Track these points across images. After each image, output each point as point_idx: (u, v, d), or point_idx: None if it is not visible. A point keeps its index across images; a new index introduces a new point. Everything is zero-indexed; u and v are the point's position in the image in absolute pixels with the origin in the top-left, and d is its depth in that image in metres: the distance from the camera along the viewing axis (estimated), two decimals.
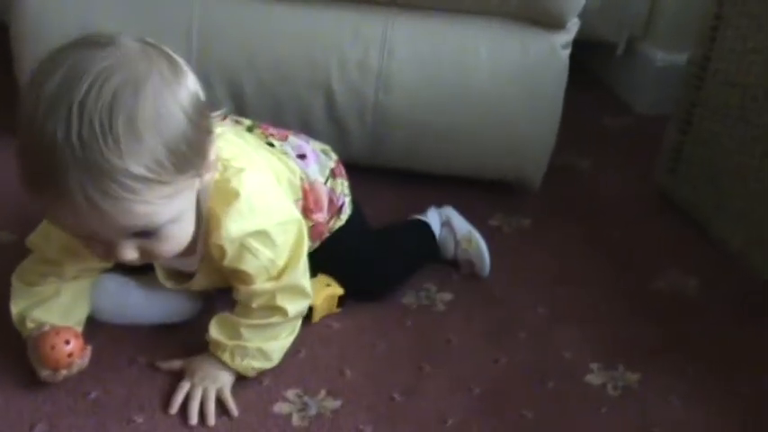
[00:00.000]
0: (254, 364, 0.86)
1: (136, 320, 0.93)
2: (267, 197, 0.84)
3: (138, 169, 0.66)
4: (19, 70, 1.17)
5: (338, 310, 0.99)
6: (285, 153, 0.93)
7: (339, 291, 0.98)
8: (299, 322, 0.89)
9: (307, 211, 0.92)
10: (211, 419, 0.83)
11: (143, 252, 0.74)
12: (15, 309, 0.85)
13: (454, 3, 1.12)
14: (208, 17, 1.12)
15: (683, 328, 1.05)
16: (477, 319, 1.02)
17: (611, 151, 1.46)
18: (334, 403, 0.87)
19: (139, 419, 0.82)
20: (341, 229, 0.98)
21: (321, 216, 0.94)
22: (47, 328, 0.83)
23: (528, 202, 1.26)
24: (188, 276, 0.89)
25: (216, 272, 0.86)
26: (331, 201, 0.96)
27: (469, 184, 1.25)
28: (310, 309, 0.93)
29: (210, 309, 0.93)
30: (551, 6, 1.11)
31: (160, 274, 0.90)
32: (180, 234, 0.75)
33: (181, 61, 0.73)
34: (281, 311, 0.85)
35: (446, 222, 1.10)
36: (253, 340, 0.85)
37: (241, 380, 0.87)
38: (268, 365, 0.87)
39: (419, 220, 1.10)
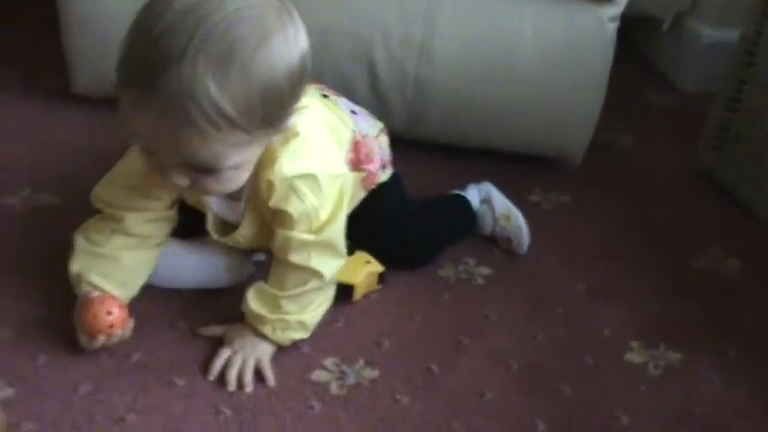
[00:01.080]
0: (293, 336, 0.87)
1: (186, 285, 0.93)
2: (321, 145, 0.85)
3: (229, 110, 0.69)
4: (66, 39, 1.18)
5: (379, 287, 0.99)
6: (337, 105, 0.94)
7: (379, 267, 0.98)
8: (333, 290, 0.89)
9: (357, 163, 0.93)
10: (249, 387, 0.84)
11: (194, 183, 0.76)
12: (75, 267, 0.85)
13: None
14: None
15: (725, 307, 1.03)
16: (515, 294, 1.01)
17: (654, 128, 1.43)
18: (371, 373, 0.87)
19: (180, 382, 0.83)
20: (384, 185, 0.98)
21: (373, 167, 0.95)
22: (95, 294, 0.84)
23: (568, 178, 1.25)
24: (233, 228, 0.89)
25: (259, 221, 0.86)
26: (380, 156, 0.97)
27: (509, 158, 1.24)
28: (351, 287, 0.94)
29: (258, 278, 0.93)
30: None
31: (210, 223, 0.90)
32: (235, 179, 0.77)
33: (302, 26, 0.74)
34: (317, 275, 0.85)
35: (486, 199, 1.09)
36: (293, 313, 0.86)
37: (280, 349, 0.88)
38: (306, 335, 0.88)
39: (458, 194, 1.10)
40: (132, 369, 0.84)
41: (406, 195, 1.04)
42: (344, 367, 0.88)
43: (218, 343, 0.88)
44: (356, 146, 0.93)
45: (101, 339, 0.82)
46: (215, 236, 0.90)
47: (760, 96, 1.16)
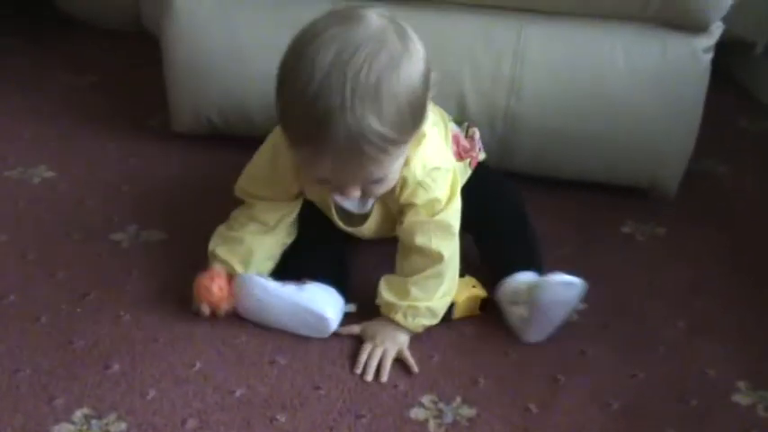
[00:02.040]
0: (423, 322, 0.94)
1: (272, 325, 0.96)
2: (439, 143, 0.97)
3: (392, 134, 0.81)
4: (168, 78, 1.23)
5: (480, 313, 0.99)
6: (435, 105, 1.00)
7: (483, 293, 0.99)
8: (455, 283, 0.96)
9: (460, 154, 1.04)
10: (385, 376, 0.91)
11: (363, 192, 0.88)
12: (210, 246, 0.98)
13: (591, 7, 1.10)
14: None
15: None
16: (611, 330, 1.00)
17: (750, 156, 1.39)
18: (469, 411, 0.87)
19: (282, 418, 0.85)
20: (485, 162, 1.10)
21: (474, 153, 1.08)
22: (217, 269, 0.95)
23: (663, 209, 1.22)
24: (360, 219, 0.99)
25: (385, 213, 0.97)
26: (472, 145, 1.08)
27: (601, 189, 1.22)
28: (452, 305, 0.97)
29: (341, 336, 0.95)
30: (695, 9, 1.07)
31: (336, 216, 0.99)
32: (394, 178, 0.90)
33: (416, 36, 0.84)
34: (438, 256, 0.93)
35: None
36: (421, 299, 0.94)
37: (377, 384, 0.89)
38: (435, 322, 0.95)
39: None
40: (235, 404, 0.86)
41: None
42: (441, 405, 0.88)
43: (316, 378, 0.89)
44: (455, 139, 1.04)
45: (206, 309, 0.93)
46: (341, 224, 0.99)
47: None
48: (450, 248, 0.95)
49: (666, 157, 1.17)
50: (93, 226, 1.11)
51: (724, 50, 1.42)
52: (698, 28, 1.10)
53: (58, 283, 1.01)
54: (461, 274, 0.99)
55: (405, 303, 0.94)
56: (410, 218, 0.94)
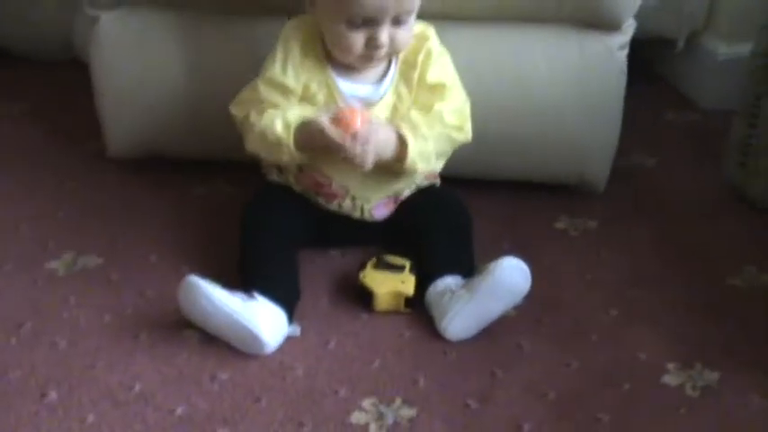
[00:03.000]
0: (420, 167, 1.03)
1: (215, 335, 0.96)
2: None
3: None
4: (100, 105, 1.23)
5: (406, 310, 1.01)
6: None
7: (409, 291, 1.01)
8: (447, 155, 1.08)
9: None
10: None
11: (391, 41, 0.98)
12: (278, 128, 1.00)
13: (508, 11, 1.13)
14: None
15: (761, 324, 1.03)
16: (547, 322, 1.02)
17: (677, 148, 1.44)
18: (409, 412, 0.89)
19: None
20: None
21: None
22: (344, 108, 1.00)
23: (594, 203, 1.26)
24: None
25: (396, 100, 1.05)
26: None
27: (533, 187, 1.25)
28: (372, 296, 1.00)
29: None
30: (606, 9, 1.11)
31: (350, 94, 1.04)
32: (411, 29, 1.01)
33: None
34: (464, 132, 1.06)
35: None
36: (431, 150, 1.03)
37: (317, 391, 0.90)
38: (427, 167, 1.06)
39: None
40: (176, 423, 0.86)
41: None
42: (382, 407, 0.89)
43: (257, 390, 0.90)
44: None
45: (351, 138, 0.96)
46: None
47: None
48: (469, 131, 1.07)
49: (592, 153, 1.21)
50: (28, 254, 1.10)
51: (648, 47, 1.48)
52: (611, 27, 1.14)
53: None
54: (404, 265, 1.02)
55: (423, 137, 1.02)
56: (443, 104, 1.04)
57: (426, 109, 1.04)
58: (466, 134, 1.07)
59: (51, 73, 1.61)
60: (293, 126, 1.00)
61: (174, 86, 1.18)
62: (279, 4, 1.10)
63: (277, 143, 1.01)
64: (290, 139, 1.00)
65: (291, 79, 1.03)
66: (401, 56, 1.05)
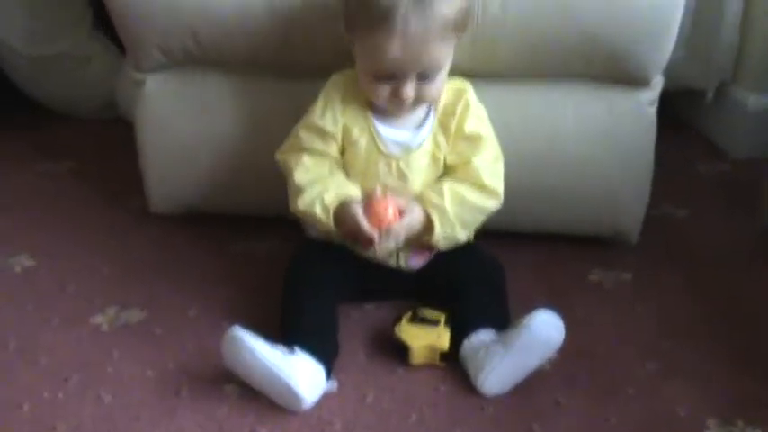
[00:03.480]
0: (443, 246, 1.08)
1: (256, 387, 0.97)
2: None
3: (452, 17, 0.98)
4: (143, 164, 1.28)
5: (441, 364, 1.02)
6: None
7: (444, 345, 1.02)
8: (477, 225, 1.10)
9: None
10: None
11: (418, 93, 1.02)
12: (328, 200, 1.04)
13: (538, 69, 1.16)
14: None
15: None
16: (583, 376, 1.02)
17: (709, 199, 1.44)
18: None
19: None
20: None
21: None
22: (379, 195, 1.03)
23: (627, 255, 1.26)
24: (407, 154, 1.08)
25: (435, 149, 1.08)
26: None
27: (567, 240, 1.26)
28: (408, 349, 1.01)
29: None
30: (635, 66, 1.13)
31: (383, 146, 1.07)
32: (441, 83, 1.04)
33: None
34: (497, 195, 1.08)
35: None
36: (457, 228, 1.07)
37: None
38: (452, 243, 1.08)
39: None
40: None
41: None
42: None
43: None
44: None
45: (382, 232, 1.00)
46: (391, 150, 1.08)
47: None
48: (500, 194, 1.09)
49: (624, 206, 1.22)
50: (74, 310, 1.14)
51: (679, 98, 1.50)
52: (640, 83, 1.16)
53: (40, 369, 1.03)
54: (439, 319, 1.04)
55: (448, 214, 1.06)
56: (476, 158, 1.07)
57: (463, 159, 1.07)
58: (498, 198, 1.09)
59: (95, 132, 1.67)
60: (332, 210, 1.04)
61: (216, 145, 1.22)
62: (320, 65, 1.14)
63: (318, 221, 1.06)
64: (329, 221, 1.04)
65: (330, 124, 1.07)
66: (440, 105, 1.08)
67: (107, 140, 1.62)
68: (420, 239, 1.07)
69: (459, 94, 1.08)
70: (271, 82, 1.20)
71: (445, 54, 1.01)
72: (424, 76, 1.01)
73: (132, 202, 1.38)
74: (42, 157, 1.57)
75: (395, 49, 0.97)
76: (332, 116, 1.07)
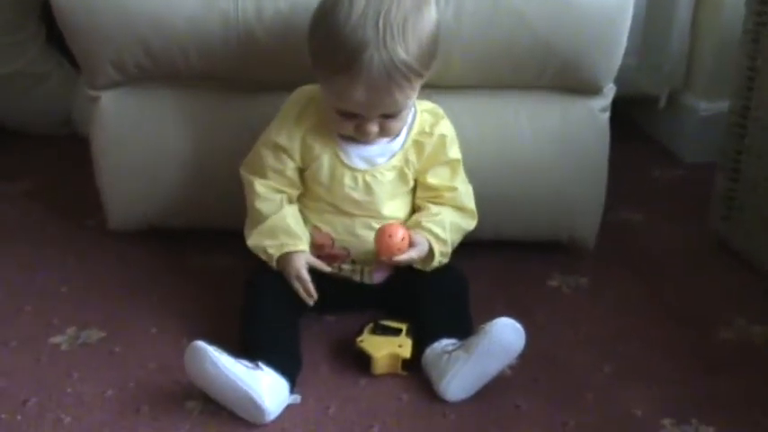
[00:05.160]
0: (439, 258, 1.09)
1: (217, 400, 0.97)
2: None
3: (415, 64, 0.98)
4: (101, 181, 1.27)
5: (404, 373, 1.03)
6: None
7: (406, 354, 1.03)
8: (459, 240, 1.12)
9: None
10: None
11: (381, 129, 1.03)
12: (270, 248, 1.07)
13: (492, 79, 1.18)
14: None
15: (754, 377, 1.04)
16: (543, 381, 1.04)
17: (663, 203, 1.48)
18: None
19: None
20: None
21: None
22: (389, 227, 1.05)
23: (584, 260, 1.29)
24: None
25: (401, 172, 1.09)
26: None
27: (524, 247, 1.28)
28: (371, 360, 1.02)
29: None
30: (586, 74, 1.16)
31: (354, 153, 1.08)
32: (405, 118, 1.06)
33: None
34: (475, 217, 1.12)
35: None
36: (449, 248, 1.09)
37: None
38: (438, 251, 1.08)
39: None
40: None
41: None
42: None
43: None
44: None
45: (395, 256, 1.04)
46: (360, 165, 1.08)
47: (757, 166, 1.20)
48: (474, 213, 1.13)
49: (580, 211, 1.24)
50: (32, 331, 1.12)
51: (632, 105, 1.53)
52: (592, 91, 1.18)
53: None
54: (401, 328, 1.06)
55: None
56: (459, 182, 1.11)
57: (446, 184, 1.11)
58: (476, 219, 1.13)
59: (49, 149, 1.65)
60: (275, 259, 1.08)
61: (173, 161, 1.22)
62: (277, 79, 1.15)
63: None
64: (273, 265, 1.09)
65: (285, 139, 1.07)
66: (415, 124, 1.09)
67: (63, 157, 1.60)
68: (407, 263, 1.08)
69: (436, 118, 1.10)
70: (227, 96, 1.21)
71: (409, 94, 1.01)
72: (389, 116, 1.02)
73: (90, 220, 1.37)
74: None
75: (359, 94, 0.98)
76: (287, 132, 1.08)
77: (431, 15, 1.01)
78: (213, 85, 1.20)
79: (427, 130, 1.09)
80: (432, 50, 1.01)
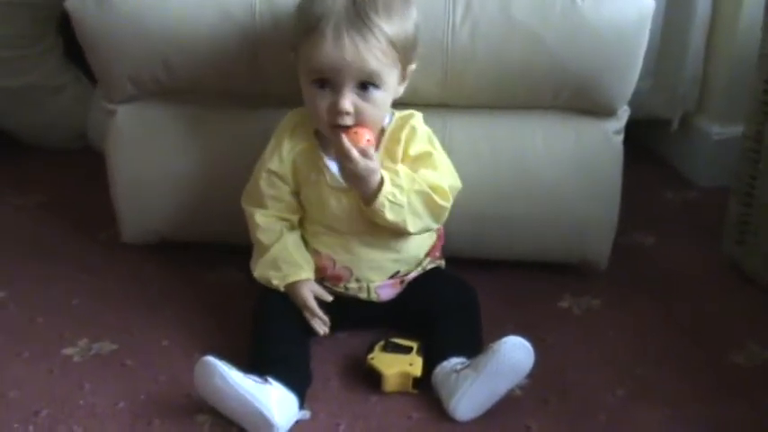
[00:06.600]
0: (387, 211, 1.03)
1: (226, 415, 0.97)
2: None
3: (392, 31, 0.99)
4: (115, 194, 1.28)
5: (414, 391, 1.03)
6: None
7: (417, 372, 1.02)
8: (432, 239, 1.14)
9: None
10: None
11: (356, 110, 1.00)
12: (273, 279, 1.09)
13: (507, 99, 1.18)
14: None
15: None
16: (554, 402, 1.03)
17: (675, 226, 1.47)
18: None
19: None
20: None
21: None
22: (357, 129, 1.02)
23: (596, 282, 1.28)
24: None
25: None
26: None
27: (537, 267, 1.28)
28: (381, 378, 1.01)
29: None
30: (601, 97, 1.16)
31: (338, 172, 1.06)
32: (381, 106, 1.03)
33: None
34: (444, 194, 1.07)
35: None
36: (410, 204, 1.04)
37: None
38: (397, 219, 1.04)
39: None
40: None
41: None
42: None
43: None
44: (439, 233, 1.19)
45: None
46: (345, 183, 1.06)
47: None
48: (451, 196, 1.09)
49: (592, 233, 1.24)
50: (45, 342, 1.13)
51: (645, 128, 1.53)
52: (606, 113, 1.19)
53: (10, 403, 1.01)
54: (411, 346, 1.05)
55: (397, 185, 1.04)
56: (426, 171, 1.07)
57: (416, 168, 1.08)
58: (446, 199, 1.07)
59: (63, 163, 1.66)
60: (282, 288, 1.09)
61: (186, 175, 1.23)
62: (292, 94, 1.15)
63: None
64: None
65: (276, 164, 1.09)
66: (387, 133, 1.08)
67: (77, 171, 1.61)
68: (367, 201, 1.04)
69: (404, 120, 1.09)
70: (243, 111, 1.22)
71: (382, 69, 1.00)
72: (363, 87, 1.00)
73: (103, 233, 1.38)
74: (11, 189, 1.56)
75: (328, 47, 0.98)
76: (278, 157, 1.10)
77: (413, 13, 1.04)
78: (229, 100, 1.21)
79: (396, 135, 1.08)
80: (408, 45, 1.02)
